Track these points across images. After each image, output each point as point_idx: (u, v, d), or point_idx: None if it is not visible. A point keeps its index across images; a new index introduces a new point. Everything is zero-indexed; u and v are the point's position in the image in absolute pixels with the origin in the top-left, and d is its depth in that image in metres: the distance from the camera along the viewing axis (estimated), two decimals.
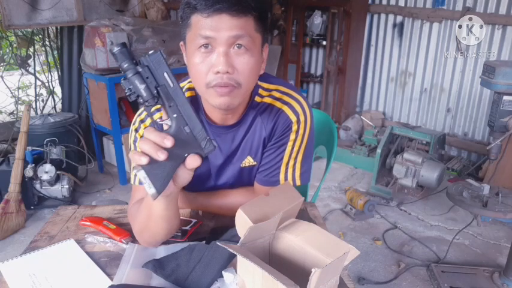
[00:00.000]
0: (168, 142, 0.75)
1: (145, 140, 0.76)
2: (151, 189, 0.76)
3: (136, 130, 1.03)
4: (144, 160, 0.75)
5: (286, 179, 1.06)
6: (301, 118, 1.03)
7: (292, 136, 1.03)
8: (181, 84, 1.06)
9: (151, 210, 0.88)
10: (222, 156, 1.07)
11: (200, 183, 1.13)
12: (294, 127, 1.03)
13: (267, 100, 1.03)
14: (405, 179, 2.99)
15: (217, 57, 0.85)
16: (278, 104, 1.03)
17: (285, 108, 1.02)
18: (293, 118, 1.02)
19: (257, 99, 1.03)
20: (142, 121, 1.02)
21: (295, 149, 1.05)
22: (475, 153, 3.59)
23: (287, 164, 1.06)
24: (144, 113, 1.03)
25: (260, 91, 1.03)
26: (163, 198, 0.84)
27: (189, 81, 1.05)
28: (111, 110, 3.09)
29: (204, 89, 0.89)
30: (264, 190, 1.07)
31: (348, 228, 2.69)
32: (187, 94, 1.03)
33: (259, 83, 1.02)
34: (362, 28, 3.93)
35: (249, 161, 1.08)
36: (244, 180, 1.11)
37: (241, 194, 1.09)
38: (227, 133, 1.04)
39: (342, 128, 3.89)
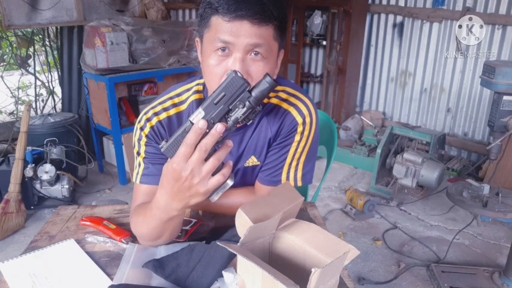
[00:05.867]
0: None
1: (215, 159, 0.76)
2: (232, 175, 0.80)
3: (142, 129, 1.02)
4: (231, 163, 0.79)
5: (288, 178, 1.06)
6: (307, 120, 1.03)
7: (297, 137, 1.04)
8: (189, 86, 1.07)
9: (165, 226, 0.89)
10: (232, 158, 1.07)
11: None
12: (300, 128, 1.03)
13: (274, 101, 1.04)
14: (405, 179, 2.99)
15: (233, 62, 0.86)
16: (285, 105, 1.03)
17: (292, 110, 1.03)
18: (299, 120, 1.03)
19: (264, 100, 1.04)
20: (148, 120, 1.02)
21: (299, 150, 1.05)
22: (475, 153, 3.59)
23: (290, 164, 1.06)
24: (151, 112, 1.03)
25: None
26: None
27: (197, 83, 1.06)
28: (111, 110, 3.09)
29: None
30: (265, 190, 1.07)
31: (348, 228, 2.69)
32: (196, 97, 1.04)
33: None
34: (362, 28, 3.93)
35: (252, 161, 1.08)
36: (247, 179, 1.12)
37: (241, 194, 1.10)
38: (235, 135, 1.04)
39: (342, 128, 3.89)
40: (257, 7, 0.83)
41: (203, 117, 0.75)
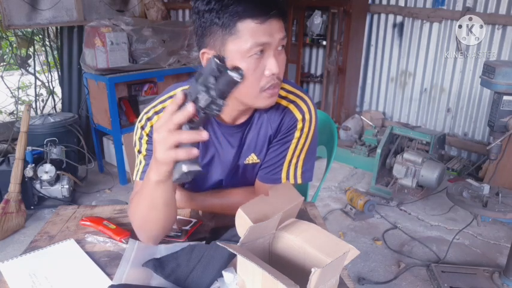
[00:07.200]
0: (205, 135, 0.75)
1: (184, 132, 0.75)
2: (194, 167, 0.76)
3: (143, 128, 1.03)
4: (196, 152, 0.75)
5: (288, 176, 1.06)
6: (307, 117, 1.04)
7: (297, 134, 1.04)
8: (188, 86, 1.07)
9: (153, 197, 0.88)
10: (233, 154, 1.08)
11: (207, 180, 1.14)
12: (299, 125, 1.04)
13: None
14: (405, 179, 2.99)
15: (271, 60, 0.88)
16: (284, 103, 1.04)
17: (291, 107, 1.04)
18: (298, 116, 1.04)
19: None
20: (149, 119, 1.02)
21: (299, 147, 1.06)
22: (475, 153, 3.58)
23: (290, 161, 1.06)
24: (152, 111, 1.03)
25: None
26: (167, 181, 0.84)
27: None
28: (111, 110, 3.09)
29: (257, 93, 0.92)
30: (265, 188, 1.07)
31: (348, 228, 2.69)
32: None
33: None
34: (362, 28, 3.93)
35: (252, 158, 1.09)
36: (246, 177, 1.12)
37: (241, 193, 1.10)
38: (238, 132, 1.05)
39: (342, 128, 3.89)
40: (279, 3, 0.87)
41: (184, 91, 0.76)
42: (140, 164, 1.05)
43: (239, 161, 1.10)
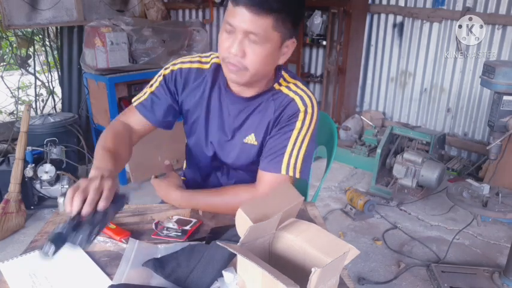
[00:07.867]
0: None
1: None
2: (50, 250, 0.85)
3: (165, 68, 1.19)
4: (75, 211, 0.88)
5: (288, 167, 1.09)
6: (309, 110, 1.12)
7: (298, 124, 1.10)
8: (214, 53, 1.20)
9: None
10: (229, 122, 1.15)
11: (204, 147, 1.21)
12: (301, 116, 1.11)
13: (283, 89, 1.15)
14: (405, 179, 2.99)
15: (233, 40, 0.99)
16: (291, 94, 1.13)
17: (296, 98, 1.13)
18: (301, 108, 1.11)
19: (276, 86, 1.13)
20: (174, 64, 1.18)
21: (300, 138, 1.10)
22: (475, 153, 3.58)
23: (291, 152, 1.10)
24: (180, 61, 1.20)
25: (281, 80, 1.15)
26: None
27: None
28: (111, 110, 3.09)
29: (222, 61, 1.05)
30: (267, 177, 1.10)
31: (348, 228, 2.69)
32: (217, 60, 1.17)
33: (284, 74, 1.16)
34: (362, 28, 3.93)
35: (251, 139, 1.15)
36: (241, 157, 1.18)
37: (241, 191, 1.11)
38: (240, 104, 1.14)
39: (342, 128, 3.89)
40: (261, 2, 0.93)
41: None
42: (144, 94, 1.20)
43: (237, 138, 1.15)
